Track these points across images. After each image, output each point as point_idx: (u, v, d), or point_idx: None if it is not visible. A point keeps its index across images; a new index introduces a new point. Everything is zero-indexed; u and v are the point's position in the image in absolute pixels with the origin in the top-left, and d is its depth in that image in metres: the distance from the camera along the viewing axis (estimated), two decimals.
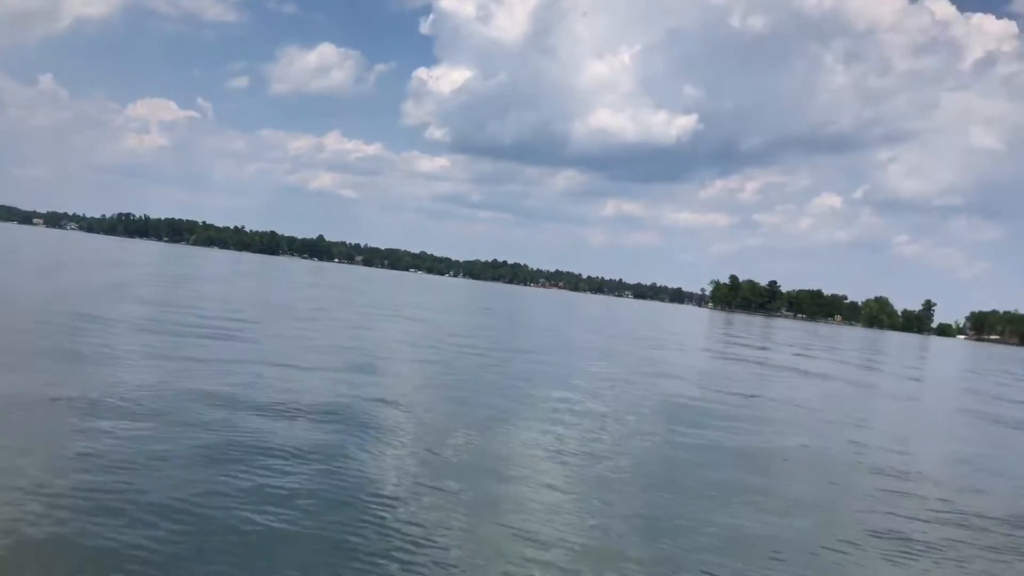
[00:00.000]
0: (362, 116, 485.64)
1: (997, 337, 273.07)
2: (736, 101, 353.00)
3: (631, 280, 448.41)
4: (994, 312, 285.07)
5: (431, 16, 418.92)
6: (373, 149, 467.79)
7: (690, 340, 58.67)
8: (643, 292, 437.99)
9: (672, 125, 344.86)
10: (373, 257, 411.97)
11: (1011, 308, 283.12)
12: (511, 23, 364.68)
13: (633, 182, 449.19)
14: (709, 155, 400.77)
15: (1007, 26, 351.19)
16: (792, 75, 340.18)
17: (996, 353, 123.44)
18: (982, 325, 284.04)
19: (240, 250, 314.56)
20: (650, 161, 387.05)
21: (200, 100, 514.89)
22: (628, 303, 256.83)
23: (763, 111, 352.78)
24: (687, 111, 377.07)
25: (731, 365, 37.44)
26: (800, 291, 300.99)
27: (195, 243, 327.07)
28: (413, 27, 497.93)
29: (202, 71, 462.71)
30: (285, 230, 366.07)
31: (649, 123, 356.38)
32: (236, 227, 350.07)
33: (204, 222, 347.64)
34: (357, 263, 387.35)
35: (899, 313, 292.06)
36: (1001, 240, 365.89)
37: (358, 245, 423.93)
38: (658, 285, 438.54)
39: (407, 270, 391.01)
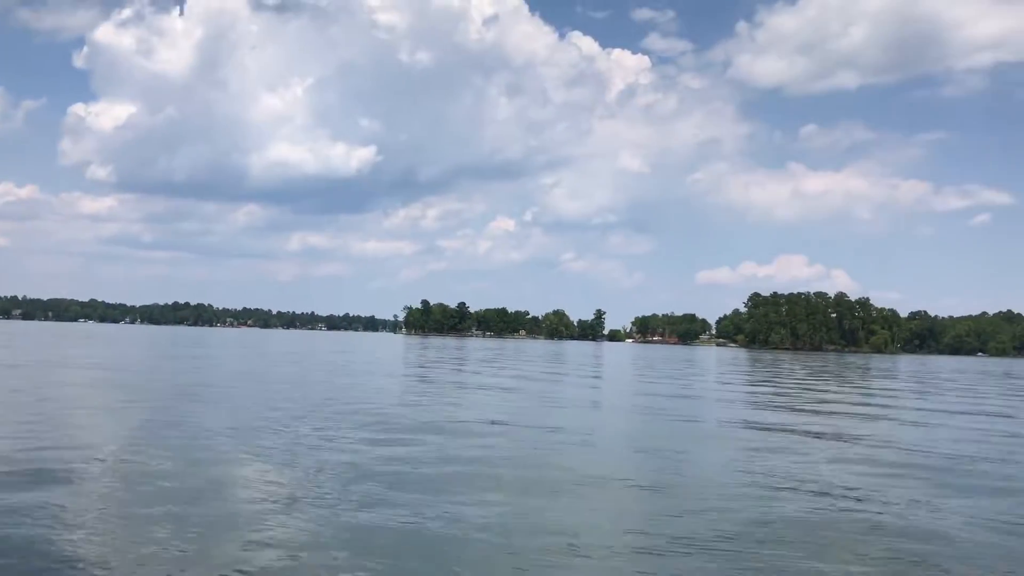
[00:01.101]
0: (11, 156, 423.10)
1: (659, 338, 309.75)
2: (411, 132, 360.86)
3: (323, 312, 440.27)
4: (654, 316, 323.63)
5: (84, 49, 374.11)
6: (26, 192, 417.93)
7: (384, 367, 56.55)
8: (336, 323, 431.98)
9: (352, 157, 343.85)
10: (34, 309, 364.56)
11: (668, 311, 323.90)
12: (176, 56, 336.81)
13: (317, 214, 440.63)
14: (390, 185, 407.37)
15: (641, 60, 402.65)
16: (461, 107, 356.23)
17: (657, 353, 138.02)
18: (646, 328, 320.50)
19: None
20: (332, 193, 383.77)
21: None
22: (323, 335, 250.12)
23: (437, 141, 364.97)
24: (365, 143, 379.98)
25: (427, 386, 35.93)
26: (487, 310, 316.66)
27: None
28: (65, 61, 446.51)
29: None
30: None
31: (328, 155, 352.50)
32: None
33: None
34: (15, 317, 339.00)
35: (575, 323, 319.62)
36: (653, 252, 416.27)
37: (15, 297, 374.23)
38: (351, 315, 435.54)
39: (76, 320, 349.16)
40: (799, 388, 44.84)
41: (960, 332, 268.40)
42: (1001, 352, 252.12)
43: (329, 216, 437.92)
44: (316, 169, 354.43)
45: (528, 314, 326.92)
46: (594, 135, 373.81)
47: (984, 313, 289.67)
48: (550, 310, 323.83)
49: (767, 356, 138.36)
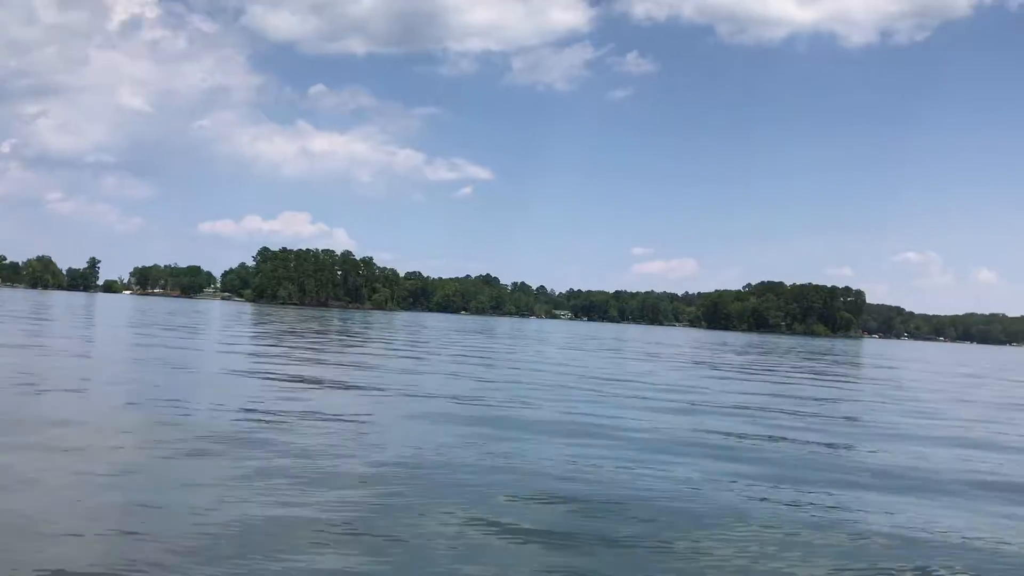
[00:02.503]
0: None
1: (161, 290, 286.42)
2: None
3: None
4: (156, 266, 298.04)
5: None
6: None
7: None
8: None
9: None
10: None
11: (171, 262, 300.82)
12: None
13: None
14: None
15: None
16: None
17: (153, 306, 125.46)
18: (146, 279, 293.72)
19: None
20: None
21: None
22: None
23: None
24: None
25: None
26: None
27: None
28: None
29: None
30: None
31: None
32: None
33: None
34: None
35: (64, 272, 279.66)
36: (153, 198, 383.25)
37: None
38: None
39: None
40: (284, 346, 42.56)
41: (448, 292, 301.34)
42: (480, 311, 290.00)
43: None
44: None
45: (5, 259, 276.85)
46: (91, 65, 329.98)
47: (468, 276, 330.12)
48: (33, 256, 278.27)
49: (273, 311, 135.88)
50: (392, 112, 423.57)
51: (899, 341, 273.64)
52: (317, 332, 60.19)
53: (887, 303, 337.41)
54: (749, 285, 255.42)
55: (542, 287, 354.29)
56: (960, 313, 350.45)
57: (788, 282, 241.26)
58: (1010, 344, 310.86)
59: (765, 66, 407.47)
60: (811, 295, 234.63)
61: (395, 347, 45.15)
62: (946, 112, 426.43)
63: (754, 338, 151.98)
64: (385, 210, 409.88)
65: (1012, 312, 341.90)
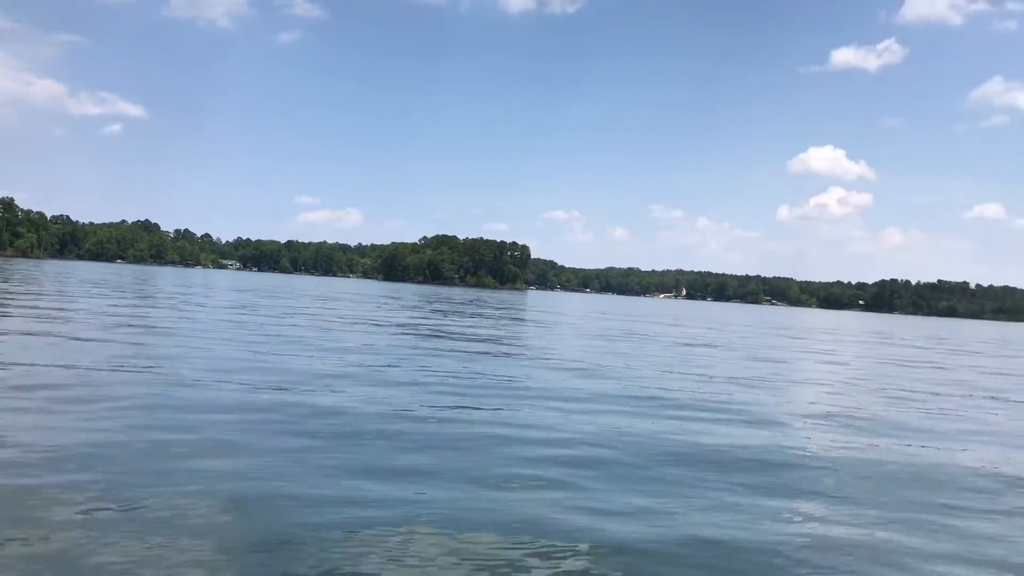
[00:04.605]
0: None
1: None
2: None
3: None
4: None
5: None
6: None
7: None
8: None
9: None
10: None
11: None
12: None
13: None
14: None
15: None
16: None
17: None
18: None
19: None
20: None
21: None
22: None
23: None
24: None
25: None
26: None
27: None
28: None
29: None
30: None
31: None
32: None
33: None
34: None
35: None
36: None
37: None
38: None
39: None
40: None
41: (102, 238, 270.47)
42: (140, 259, 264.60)
43: None
44: None
45: None
46: None
47: (124, 221, 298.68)
48: None
49: None
50: (29, 37, 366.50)
51: (553, 292, 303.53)
52: None
53: (542, 257, 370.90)
54: (425, 238, 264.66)
55: (207, 235, 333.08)
56: (602, 267, 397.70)
57: (460, 236, 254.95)
58: (643, 295, 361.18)
59: (431, 23, 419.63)
60: (482, 249, 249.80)
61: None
62: (594, 82, 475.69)
63: (431, 289, 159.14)
64: (21, 146, 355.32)
65: (644, 267, 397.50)
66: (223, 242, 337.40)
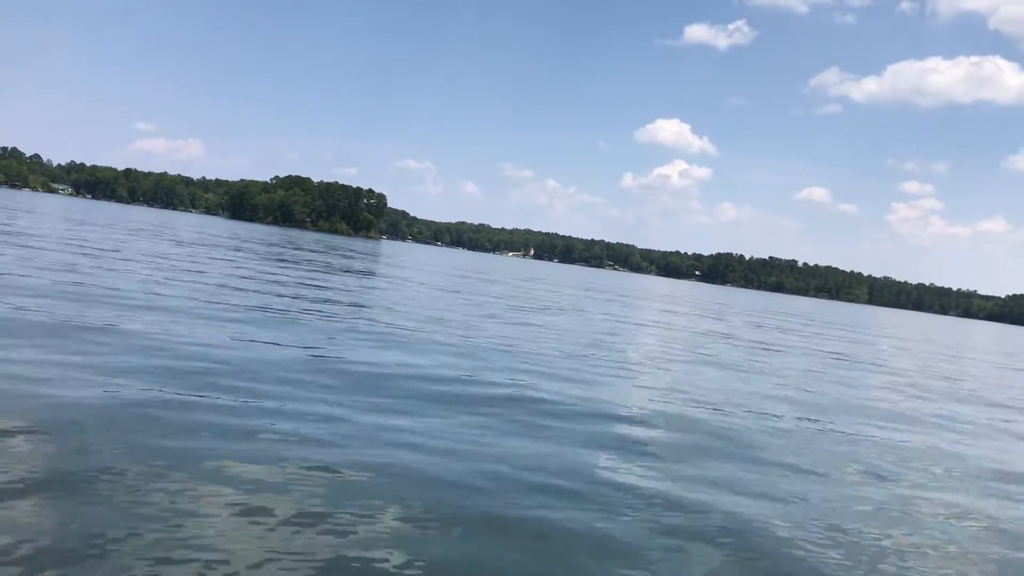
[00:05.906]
0: None
1: None
2: None
3: None
4: None
5: None
6: None
7: None
8: None
9: None
10: None
11: None
12: None
13: None
14: None
15: None
16: None
17: None
18: None
19: None
20: None
21: None
22: None
23: None
24: None
25: None
26: None
27: None
28: None
29: None
30: None
31: None
32: None
33: None
34: None
35: None
36: None
37: None
38: None
39: None
40: None
41: None
42: None
43: None
44: None
45: None
46: None
47: None
48: None
49: None
50: None
51: (404, 243, 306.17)
52: None
53: (393, 207, 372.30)
54: (277, 178, 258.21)
55: (37, 156, 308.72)
56: (453, 221, 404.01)
57: (311, 179, 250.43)
58: (493, 252, 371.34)
59: None
60: (337, 194, 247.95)
61: None
62: (456, 40, 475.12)
63: (282, 231, 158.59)
64: None
65: (493, 223, 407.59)
66: (55, 164, 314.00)
